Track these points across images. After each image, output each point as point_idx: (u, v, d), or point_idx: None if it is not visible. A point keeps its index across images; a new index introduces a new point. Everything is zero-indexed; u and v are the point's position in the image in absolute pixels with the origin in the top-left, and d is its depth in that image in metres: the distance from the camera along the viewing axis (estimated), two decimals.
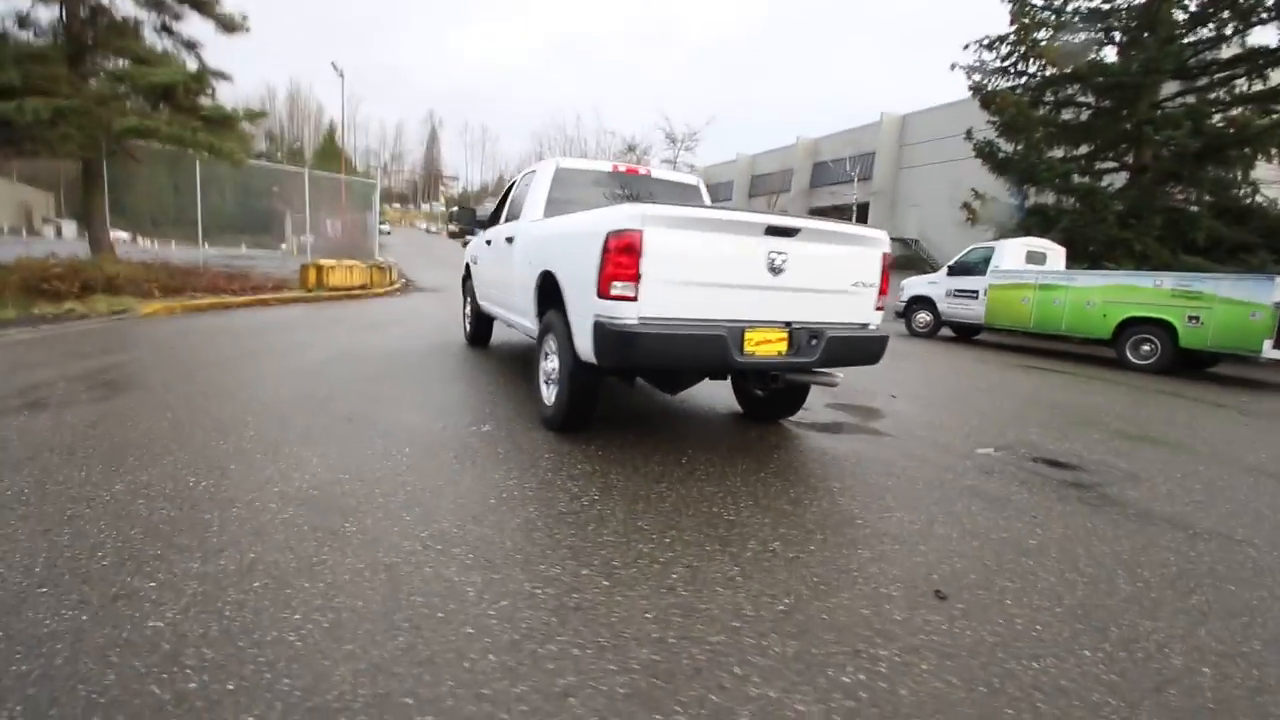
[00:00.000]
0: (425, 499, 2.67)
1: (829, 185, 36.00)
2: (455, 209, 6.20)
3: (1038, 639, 1.92)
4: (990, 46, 16.19)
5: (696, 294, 3.07)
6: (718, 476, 3.20)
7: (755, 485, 3.11)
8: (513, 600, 1.93)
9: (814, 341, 3.31)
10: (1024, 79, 16.18)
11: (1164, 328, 8.73)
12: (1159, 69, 13.18)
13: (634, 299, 2.95)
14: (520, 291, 4.51)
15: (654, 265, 2.94)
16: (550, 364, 3.83)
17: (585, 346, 3.23)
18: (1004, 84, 16.34)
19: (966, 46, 16.41)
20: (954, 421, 4.92)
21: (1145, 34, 13.61)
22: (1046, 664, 1.79)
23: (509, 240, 4.87)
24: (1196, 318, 8.40)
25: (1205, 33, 13.84)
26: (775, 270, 3.19)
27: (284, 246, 19.27)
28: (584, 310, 3.23)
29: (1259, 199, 13.85)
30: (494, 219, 6.20)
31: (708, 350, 3.07)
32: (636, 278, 2.93)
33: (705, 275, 3.07)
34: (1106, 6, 14.84)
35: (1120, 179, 15.16)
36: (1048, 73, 15.05)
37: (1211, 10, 13.22)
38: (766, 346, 3.22)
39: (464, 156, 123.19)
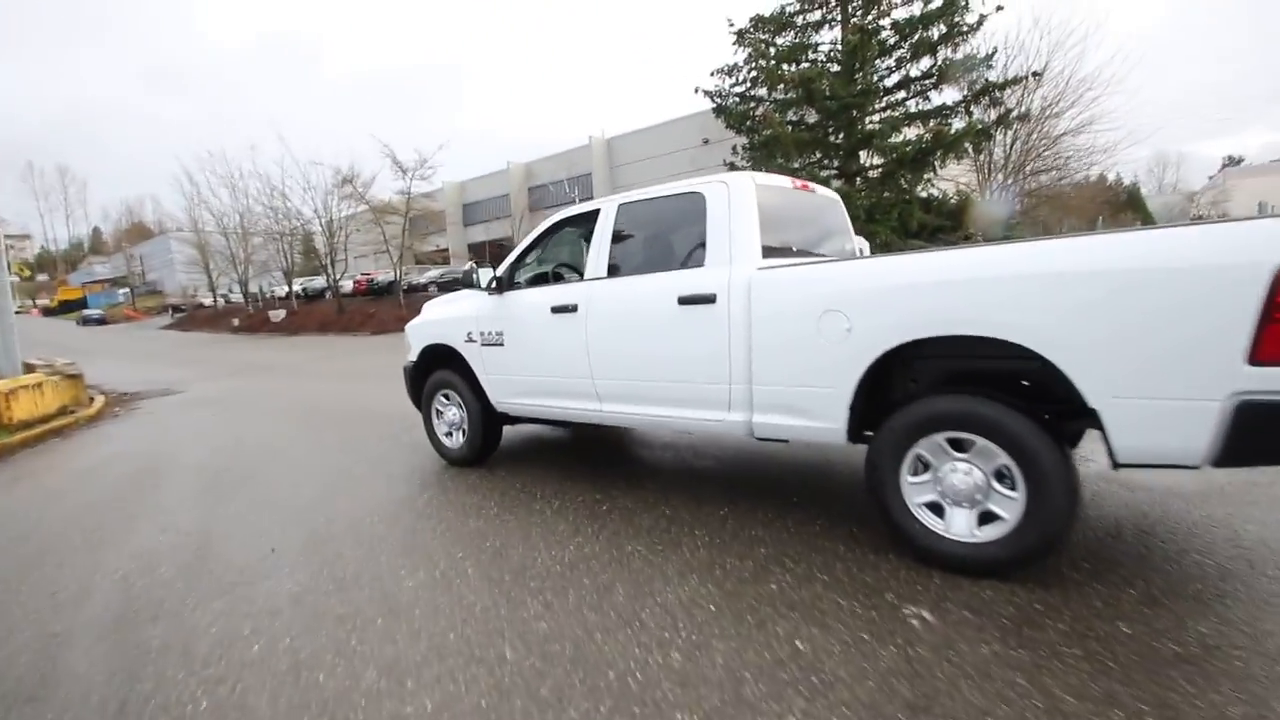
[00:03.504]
0: None
1: (552, 207, 36.39)
2: (470, 264, 4.09)
3: None
4: (729, 73, 18.03)
5: None
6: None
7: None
8: None
9: None
10: (754, 104, 18.45)
11: None
12: (870, 91, 16.23)
13: None
14: (776, 378, 2.98)
15: None
16: (960, 479, 2.50)
17: (1181, 442, 2.10)
18: (741, 107, 18.39)
19: (713, 74, 18.03)
20: None
21: (854, 65, 16.61)
22: None
23: (688, 301, 3.16)
24: None
25: (882, 65, 17.56)
26: None
27: None
28: (1178, 388, 2.09)
29: (934, 192, 18.15)
30: (513, 274, 4.16)
31: None
32: None
33: None
34: (810, 41, 17.77)
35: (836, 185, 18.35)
36: (786, 95, 17.31)
37: (894, 45, 16.79)
38: None
39: (36, 208, 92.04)
